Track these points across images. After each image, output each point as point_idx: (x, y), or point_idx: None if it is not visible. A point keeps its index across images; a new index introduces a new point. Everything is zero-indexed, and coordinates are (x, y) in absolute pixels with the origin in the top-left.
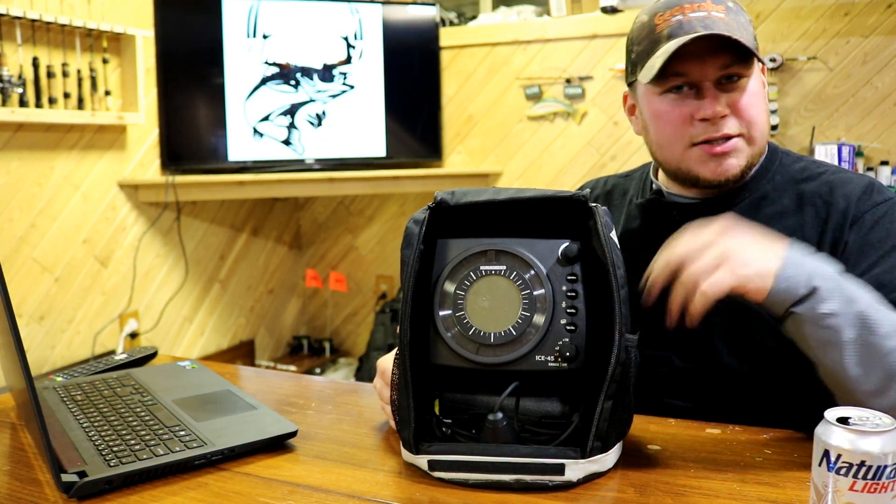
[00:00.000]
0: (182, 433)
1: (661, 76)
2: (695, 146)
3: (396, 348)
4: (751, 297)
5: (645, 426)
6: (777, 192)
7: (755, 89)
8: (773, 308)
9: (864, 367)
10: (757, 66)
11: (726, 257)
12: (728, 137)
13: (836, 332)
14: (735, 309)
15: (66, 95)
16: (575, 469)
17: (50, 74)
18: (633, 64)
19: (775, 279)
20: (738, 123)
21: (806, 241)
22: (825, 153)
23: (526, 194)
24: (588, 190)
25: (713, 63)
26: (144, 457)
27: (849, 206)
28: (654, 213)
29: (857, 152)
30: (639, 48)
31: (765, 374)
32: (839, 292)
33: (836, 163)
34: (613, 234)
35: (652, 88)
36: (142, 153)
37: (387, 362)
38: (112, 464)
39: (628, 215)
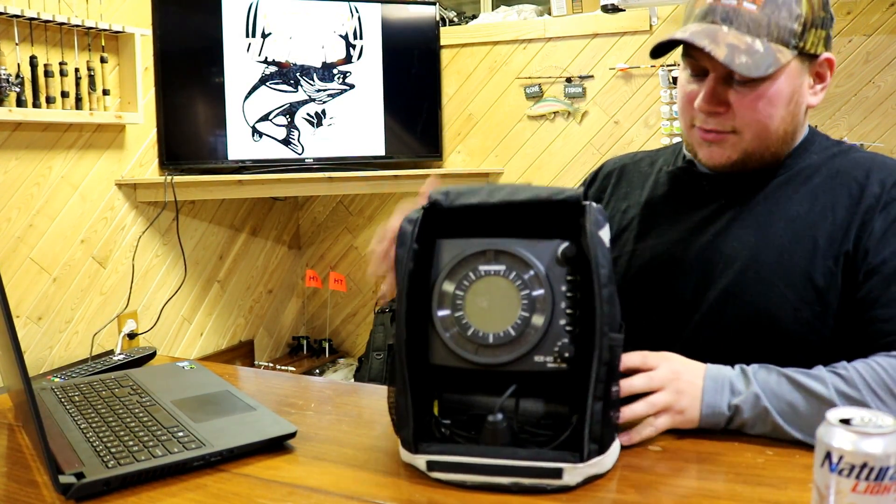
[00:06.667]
0: (180, 434)
1: (657, 53)
2: (694, 127)
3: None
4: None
5: None
6: (812, 170)
7: (774, 90)
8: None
9: (807, 429)
10: (798, 64)
11: (670, 405)
12: (718, 132)
13: (772, 428)
14: (758, 348)
15: (64, 94)
16: (573, 473)
17: (48, 73)
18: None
19: (701, 420)
20: (734, 122)
21: (837, 221)
22: None
23: (520, 196)
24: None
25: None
26: (142, 458)
27: (882, 192)
28: (684, 181)
29: None
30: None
31: None
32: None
33: None
34: (602, 232)
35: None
36: (140, 152)
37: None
38: (110, 465)
39: (656, 182)
